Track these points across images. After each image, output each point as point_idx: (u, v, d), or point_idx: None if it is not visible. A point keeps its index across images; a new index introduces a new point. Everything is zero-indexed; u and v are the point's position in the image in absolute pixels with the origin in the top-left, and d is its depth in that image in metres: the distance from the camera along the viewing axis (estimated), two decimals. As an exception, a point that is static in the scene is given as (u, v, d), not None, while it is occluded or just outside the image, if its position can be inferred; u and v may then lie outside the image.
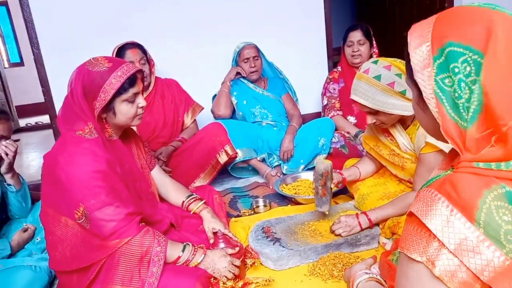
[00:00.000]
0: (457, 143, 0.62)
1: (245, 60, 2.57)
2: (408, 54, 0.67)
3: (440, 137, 0.69)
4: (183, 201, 1.64)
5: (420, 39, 0.65)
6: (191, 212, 1.63)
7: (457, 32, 0.61)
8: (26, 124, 5.48)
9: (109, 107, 1.32)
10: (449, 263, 0.58)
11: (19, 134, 4.92)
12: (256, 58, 2.58)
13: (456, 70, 0.60)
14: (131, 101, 1.36)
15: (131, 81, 1.33)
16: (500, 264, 0.55)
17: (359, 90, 1.49)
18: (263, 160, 2.49)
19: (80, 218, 1.23)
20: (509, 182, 0.58)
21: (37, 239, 1.67)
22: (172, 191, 1.68)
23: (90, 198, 1.21)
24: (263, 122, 2.61)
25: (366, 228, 1.57)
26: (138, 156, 1.58)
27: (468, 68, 0.59)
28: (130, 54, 2.17)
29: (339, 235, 1.55)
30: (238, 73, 2.59)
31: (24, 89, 5.99)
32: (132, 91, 1.34)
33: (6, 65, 6.27)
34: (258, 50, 2.61)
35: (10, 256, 1.57)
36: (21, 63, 6.41)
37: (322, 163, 1.63)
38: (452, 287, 0.57)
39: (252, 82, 2.64)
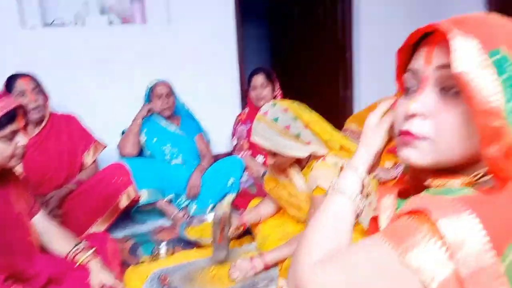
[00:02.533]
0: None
1: (158, 97, 2.52)
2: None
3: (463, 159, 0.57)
4: (69, 252, 1.48)
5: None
6: (77, 264, 1.47)
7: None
8: None
9: None
10: (452, 284, 0.48)
11: None
12: (168, 95, 2.55)
13: None
14: (9, 139, 1.23)
15: (10, 117, 1.21)
16: None
17: (258, 131, 1.53)
18: (171, 201, 2.40)
19: None
20: None
21: None
22: (57, 240, 1.50)
23: None
24: (172, 162, 2.54)
25: (262, 271, 1.55)
26: (17, 201, 1.41)
27: None
28: (22, 83, 2.01)
29: (235, 279, 1.51)
30: (150, 110, 2.52)
31: None
32: (10, 128, 1.22)
33: None
34: (171, 88, 2.59)
35: None
36: None
37: (221, 208, 1.62)
38: None
39: (164, 119, 2.59)
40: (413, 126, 0.57)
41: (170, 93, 2.57)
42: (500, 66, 0.51)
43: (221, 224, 1.59)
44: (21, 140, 1.27)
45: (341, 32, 3.57)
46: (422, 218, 0.51)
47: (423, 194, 0.55)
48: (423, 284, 0.48)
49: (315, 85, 4.00)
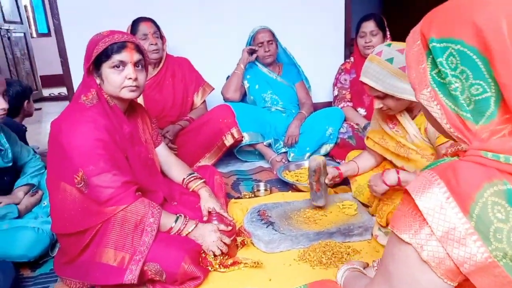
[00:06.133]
0: (464, 134, 0.61)
1: (260, 44, 2.56)
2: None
3: (445, 133, 0.67)
4: (184, 178, 1.68)
5: (413, 36, 0.68)
6: (190, 190, 1.66)
7: (437, 28, 0.62)
8: (49, 94, 5.65)
9: (98, 73, 1.37)
10: (438, 250, 0.58)
11: (42, 103, 5.08)
12: (270, 42, 2.57)
13: (444, 64, 0.61)
14: (118, 69, 1.34)
15: (118, 47, 1.32)
16: (482, 260, 0.55)
17: (369, 72, 1.45)
18: (270, 146, 2.51)
19: (80, 182, 1.29)
20: None
21: (44, 203, 1.75)
22: (175, 169, 1.72)
23: (89, 164, 1.27)
24: (273, 108, 2.61)
25: (391, 186, 1.47)
26: (143, 130, 1.61)
27: (454, 62, 0.60)
28: (144, 27, 2.22)
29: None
30: (251, 49, 2.55)
31: (50, 59, 6.14)
32: (117, 57, 1.32)
33: (34, 35, 6.45)
34: (272, 34, 2.59)
35: (18, 218, 1.65)
36: (48, 34, 6.57)
37: (315, 160, 1.64)
38: (439, 273, 0.58)
39: (266, 66, 2.64)
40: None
41: (272, 40, 2.57)
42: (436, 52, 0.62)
43: (317, 174, 1.63)
44: (130, 72, 1.35)
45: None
46: (409, 198, 0.62)
47: (417, 173, 0.69)
48: (417, 255, 0.60)
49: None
